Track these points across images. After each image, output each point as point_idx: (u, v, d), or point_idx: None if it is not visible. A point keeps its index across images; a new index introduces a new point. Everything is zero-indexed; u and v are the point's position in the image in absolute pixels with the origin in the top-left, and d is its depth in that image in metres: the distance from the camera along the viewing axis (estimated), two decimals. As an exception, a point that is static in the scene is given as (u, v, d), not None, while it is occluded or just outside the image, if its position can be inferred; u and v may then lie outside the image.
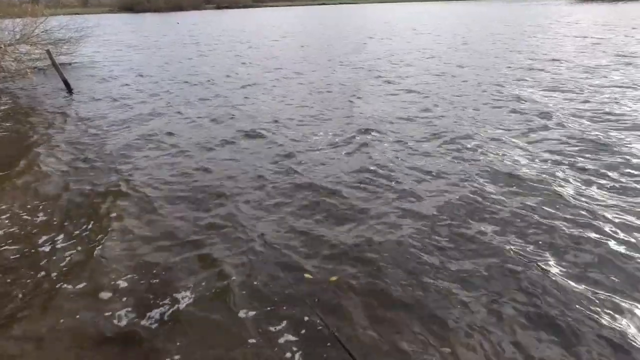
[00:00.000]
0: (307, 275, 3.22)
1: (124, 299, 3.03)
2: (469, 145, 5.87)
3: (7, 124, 8.16)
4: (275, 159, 5.75)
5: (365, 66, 13.06)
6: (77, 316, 2.88)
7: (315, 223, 4.01)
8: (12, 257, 3.63)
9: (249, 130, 7.04)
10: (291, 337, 2.60)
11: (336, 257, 3.44)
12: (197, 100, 9.38)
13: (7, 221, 4.28)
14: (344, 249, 3.54)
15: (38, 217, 4.37)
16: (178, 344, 2.60)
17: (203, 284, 3.18)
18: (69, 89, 10.85)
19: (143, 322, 2.79)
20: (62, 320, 2.84)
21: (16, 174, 5.56)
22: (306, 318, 2.76)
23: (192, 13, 67.05)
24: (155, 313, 2.88)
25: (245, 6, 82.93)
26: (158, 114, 8.41)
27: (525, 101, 8.03)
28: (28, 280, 3.30)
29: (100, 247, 3.70)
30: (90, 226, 4.13)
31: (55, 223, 4.21)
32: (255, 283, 3.16)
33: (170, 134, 7.07)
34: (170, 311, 2.89)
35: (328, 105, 8.48)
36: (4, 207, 4.59)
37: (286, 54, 16.79)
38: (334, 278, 3.18)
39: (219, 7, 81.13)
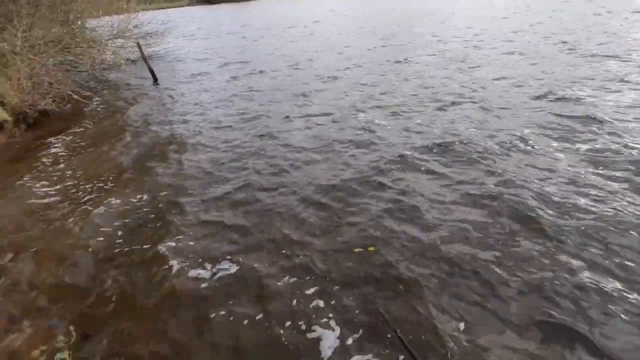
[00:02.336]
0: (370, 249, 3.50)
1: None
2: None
3: (104, 108, 9.62)
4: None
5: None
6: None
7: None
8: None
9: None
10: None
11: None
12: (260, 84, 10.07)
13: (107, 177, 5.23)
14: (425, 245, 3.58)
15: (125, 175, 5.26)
16: (231, 302, 3.10)
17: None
18: (154, 77, 12.25)
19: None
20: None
21: (110, 145, 6.66)
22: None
23: (262, 2, 69.40)
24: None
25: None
26: (231, 95, 9.27)
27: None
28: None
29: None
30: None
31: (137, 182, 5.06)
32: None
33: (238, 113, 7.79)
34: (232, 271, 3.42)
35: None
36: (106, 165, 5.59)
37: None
38: (372, 248, 3.46)
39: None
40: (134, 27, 14.92)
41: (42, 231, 4.31)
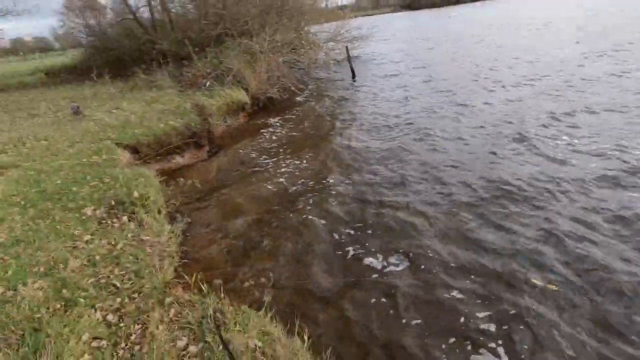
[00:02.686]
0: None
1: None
2: None
3: (312, 98, 11.55)
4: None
5: None
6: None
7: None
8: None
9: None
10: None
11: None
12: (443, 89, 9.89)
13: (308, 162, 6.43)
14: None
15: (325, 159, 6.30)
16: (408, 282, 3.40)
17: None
18: (353, 74, 13.76)
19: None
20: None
21: (309, 125, 8.04)
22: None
23: (466, 5, 66.05)
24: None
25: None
26: (417, 94, 9.58)
27: None
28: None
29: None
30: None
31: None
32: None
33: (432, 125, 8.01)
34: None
35: None
36: (309, 155, 6.86)
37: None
38: (552, 286, 3.09)
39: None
40: (345, 32, 17.06)
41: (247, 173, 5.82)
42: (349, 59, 14.03)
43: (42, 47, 44.41)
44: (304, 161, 6.56)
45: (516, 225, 3.99)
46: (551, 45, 14.55)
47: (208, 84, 10.22)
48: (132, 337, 2.66)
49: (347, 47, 14.20)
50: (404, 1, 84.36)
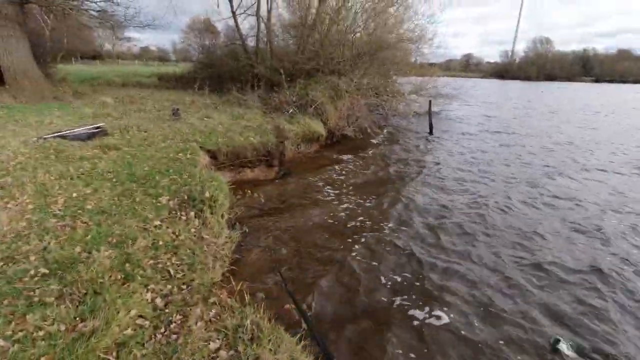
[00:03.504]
0: None
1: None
2: None
3: (386, 142, 11.61)
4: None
5: None
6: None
7: None
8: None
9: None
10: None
11: None
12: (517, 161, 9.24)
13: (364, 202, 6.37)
14: None
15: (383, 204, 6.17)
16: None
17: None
18: (431, 130, 13.65)
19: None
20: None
21: (379, 169, 7.99)
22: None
23: (563, 84, 62.92)
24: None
25: (636, 81, 67.12)
26: (489, 160, 9.11)
27: None
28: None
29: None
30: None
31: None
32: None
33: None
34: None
35: None
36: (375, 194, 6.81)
37: None
38: None
39: (596, 80, 70.78)
40: (429, 87, 17.21)
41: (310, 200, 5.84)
42: (429, 112, 14.02)
43: (161, 56, 51.78)
44: (366, 201, 6.51)
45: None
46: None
47: (291, 110, 10.89)
48: (172, 326, 2.74)
49: (430, 100, 14.25)
50: (494, 69, 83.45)
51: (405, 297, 3.89)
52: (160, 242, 3.76)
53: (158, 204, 4.54)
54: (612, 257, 4.79)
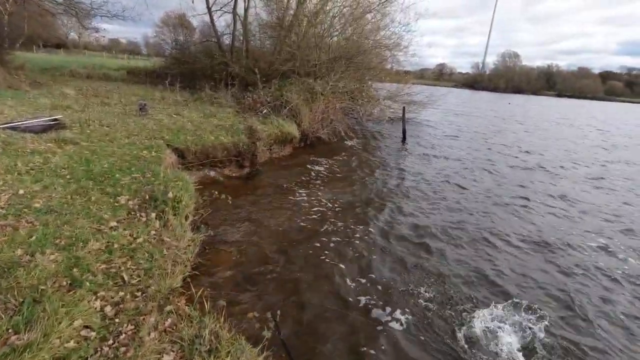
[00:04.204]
0: None
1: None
2: None
3: (359, 147, 11.65)
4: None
5: None
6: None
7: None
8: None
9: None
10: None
11: None
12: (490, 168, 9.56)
13: (338, 194, 6.30)
14: None
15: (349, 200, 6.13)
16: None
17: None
18: (404, 136, 13.84)
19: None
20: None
21: (351, 172, 7.97)
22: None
23: (528, 97, 66.17)
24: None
25: (594, 98, 71.92)
26: (461, 169, 9.33)
27: None
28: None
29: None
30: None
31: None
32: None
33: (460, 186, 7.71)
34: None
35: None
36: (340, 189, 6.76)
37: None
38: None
39: (558, 95, 75.10)
40: (404, 94, 17.50)
41: (280, 202, 5.69)
42: (403, 118, 14.21)
43: (131, 49, 49.77)
44: (338, 204, 6.45)
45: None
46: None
47: (265, 111, 10.69)
48: (122, 337, 2.52)
49: (404, 107, 14.45)
50: (466, 79, 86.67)
51: (369, 297, 3.83)
52: (116, 245, 3.49)
53: (116, 204, 4.25)
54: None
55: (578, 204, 7.65)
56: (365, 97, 15.01)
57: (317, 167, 8.89)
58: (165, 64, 18.56)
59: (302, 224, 5.55)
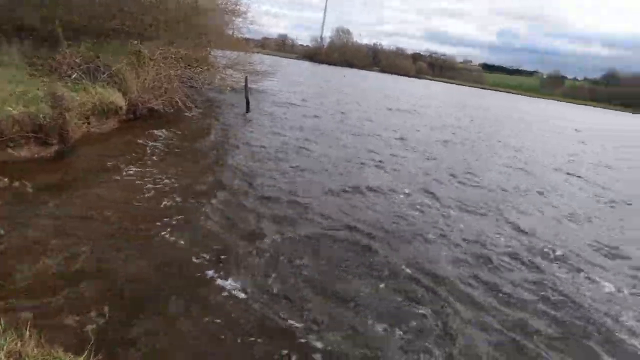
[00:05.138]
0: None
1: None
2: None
3: (199, 117, 11.07)
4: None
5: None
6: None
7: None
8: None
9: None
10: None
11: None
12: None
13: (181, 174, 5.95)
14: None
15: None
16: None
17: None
18: (247, 105, 13.78)
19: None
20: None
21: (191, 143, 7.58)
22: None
23: (359, 71, 75.27)
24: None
25: (407, 75, 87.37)
26: (303, 128, 10.10)
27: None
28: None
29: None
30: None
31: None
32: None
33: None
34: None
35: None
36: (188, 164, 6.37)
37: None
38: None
39: (382, 71, 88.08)
40: (247, 63, 17.22)
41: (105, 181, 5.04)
42: (245, 88, 14.05)
43: None
44: (176, 179, 6.04)
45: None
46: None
47: (74, 75, 8.76)
48: None
49: (246, 77, 14.26)
50: (307, 51, 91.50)
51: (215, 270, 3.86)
52: None
53: None
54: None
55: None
56: (204, 65, 14.06)
57: (151, 141, 8.01)
58: None
59: (137, 203, 4.99)
